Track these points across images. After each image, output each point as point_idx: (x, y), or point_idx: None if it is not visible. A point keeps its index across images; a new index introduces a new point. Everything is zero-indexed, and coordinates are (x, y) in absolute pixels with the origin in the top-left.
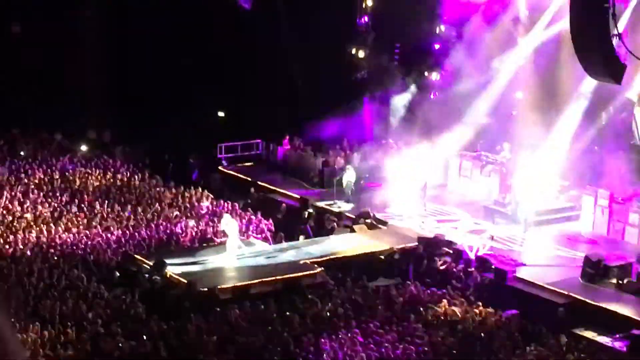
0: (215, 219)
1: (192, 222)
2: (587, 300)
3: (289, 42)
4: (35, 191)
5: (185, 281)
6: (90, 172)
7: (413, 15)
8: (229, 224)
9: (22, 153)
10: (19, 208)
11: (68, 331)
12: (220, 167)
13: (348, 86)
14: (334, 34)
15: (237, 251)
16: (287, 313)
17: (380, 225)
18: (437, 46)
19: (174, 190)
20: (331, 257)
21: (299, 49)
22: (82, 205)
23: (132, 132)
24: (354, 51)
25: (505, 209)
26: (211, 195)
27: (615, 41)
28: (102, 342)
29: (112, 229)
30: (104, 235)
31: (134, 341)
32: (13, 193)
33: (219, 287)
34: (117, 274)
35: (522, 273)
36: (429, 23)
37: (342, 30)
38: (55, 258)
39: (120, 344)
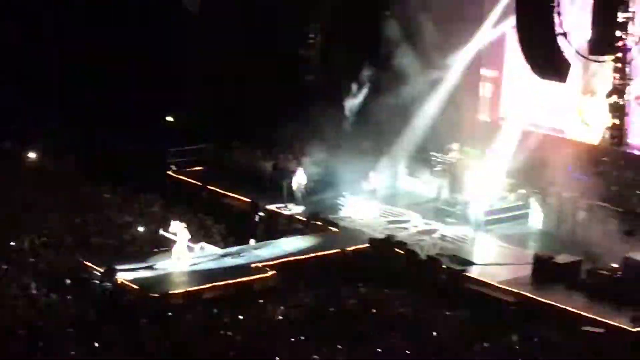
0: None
1: (141, 228)
2: (538, 298)
3: (237, 46)
4: None
5: (137, 287)
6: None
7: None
8: (177, 229)
9: None
10: None
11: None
12: (169, 172)
13: (299, 89)
14: (284, 37)
15: (187, 256)
16: (240, 317)
17: (331, 228)
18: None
19: (124, 196)
20: (283, 260)
21: (248, 52)
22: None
23: (81, 139)
24: (304, 54)
25: (455, 208)
26: (162, 201)
27: (560, 40)
28: (54, 349)
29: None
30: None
31: (86, 348)
32: None
33: (170, 292)
34: (68, 281)
35: (473, 272)
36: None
37: (292, 33)
38: (5, 267)
39: (72, 352)
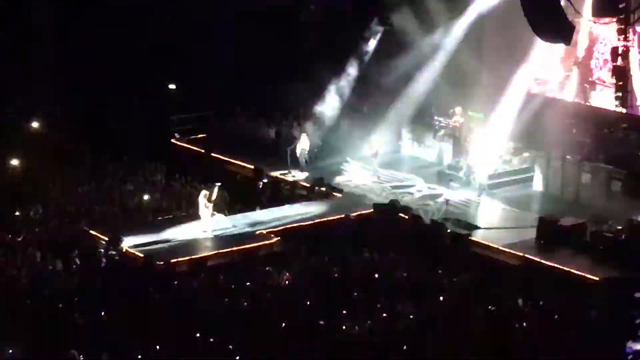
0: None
1: (146, 196)
2: (543, 261)
3: (237, 11)
4: None
5: (142, 255)
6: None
7: None
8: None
9: None
10: None
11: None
12: (173, 140)
13: (301, 53)
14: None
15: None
16: (247, 284)
17: (335, 193)
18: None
19: (128, 165)
20: (287, 226)
21: (247, 17)
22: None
23: (83, 107)
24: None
25: (459, 172)
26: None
27: (563, 2)
28: (61, 318)
29: (67, 205)
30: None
31: (92, 317)
32: None
33: (175, 260)
34: (76, 252)
35: (477, 236)
36: None
37: None
38: (11, 236)
39: (79, 321)
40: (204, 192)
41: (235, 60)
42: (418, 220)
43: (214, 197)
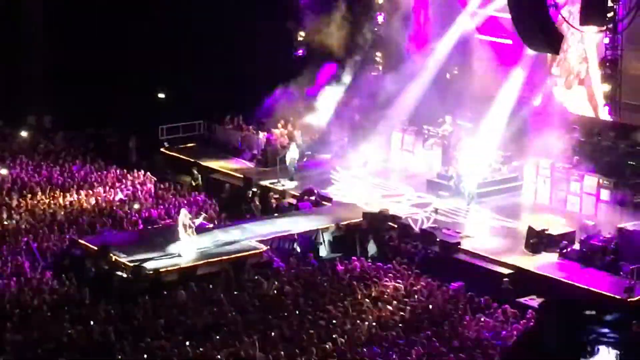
0: (160, 201)
1: (136, 205)
2: (531, 270)
3: (227, 21)
4: None
5: (131, 265)
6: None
7: None
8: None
9: None
10: None
11: (14, 318)
12: (162, 149)
13: (290, 63)
14: (273, 10)
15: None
16: (235, 292)
17: (324, 202)
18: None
19: (117, 174)
20: (276, 235)
21: (237, 27)
22: (24, 191)
23: (72, 116)
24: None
25: (448, 181)
26: (154, 178)
27: (552, 11)
28: (50, 328)
29: (56, 214)
30: (47, 220)
31: (81, 326)
32: None
33: (164, 269)
34: (66, 261)
35: (466, 245)
36: None
37: (282, 6)
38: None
39: (68, 330)
40: (184, 212)
41: (224, 68)
42: (407, 229)
43: (195, 221)
